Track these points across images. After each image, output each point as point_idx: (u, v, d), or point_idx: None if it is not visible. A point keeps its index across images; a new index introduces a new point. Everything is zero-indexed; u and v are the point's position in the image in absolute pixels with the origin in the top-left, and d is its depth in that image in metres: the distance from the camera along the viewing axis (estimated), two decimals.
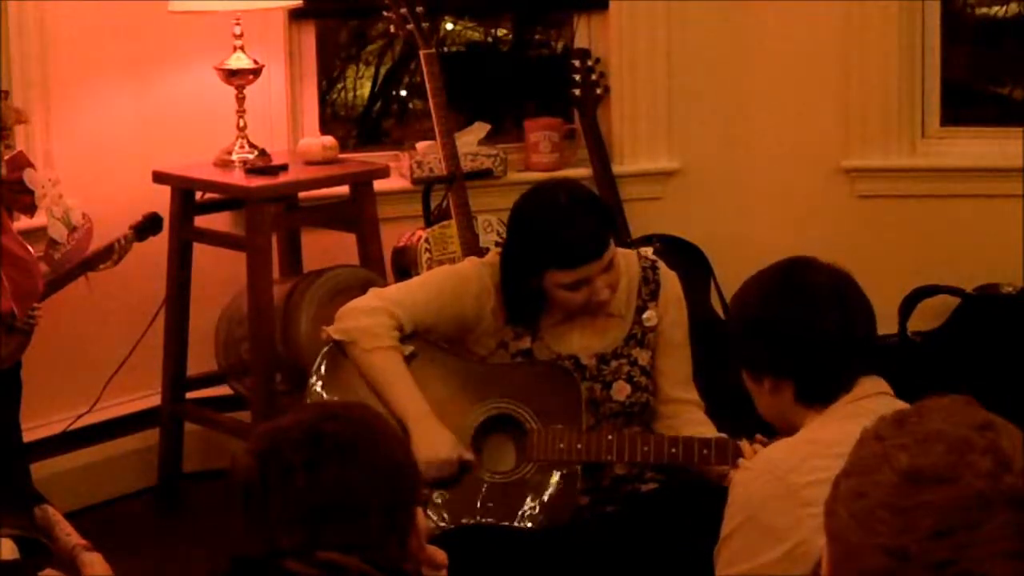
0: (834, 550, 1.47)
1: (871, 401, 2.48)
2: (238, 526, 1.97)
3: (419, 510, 2.03)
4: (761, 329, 2.57)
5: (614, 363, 3.34)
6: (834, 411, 2.50)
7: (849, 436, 1.57)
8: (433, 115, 4.70)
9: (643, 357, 3.36)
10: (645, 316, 3.37)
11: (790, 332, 2.53)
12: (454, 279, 3.34)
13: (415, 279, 3.56)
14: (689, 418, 3.38)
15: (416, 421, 3.18)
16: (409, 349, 3.27)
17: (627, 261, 3.36)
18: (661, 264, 3.43)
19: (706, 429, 3.33)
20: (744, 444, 3.06)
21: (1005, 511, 1.39)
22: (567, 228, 3.19)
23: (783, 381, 2.54)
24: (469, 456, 3.22)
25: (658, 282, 3.39)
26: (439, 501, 3.21)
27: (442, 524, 3.18)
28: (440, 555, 2.20)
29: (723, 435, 3.22)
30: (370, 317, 3.25)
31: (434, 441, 3.18)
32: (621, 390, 3.33)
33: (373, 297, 3.32)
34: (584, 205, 3.25)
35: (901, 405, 2.25)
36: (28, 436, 4.30)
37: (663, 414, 3.39)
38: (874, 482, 1.45)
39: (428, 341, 3.31)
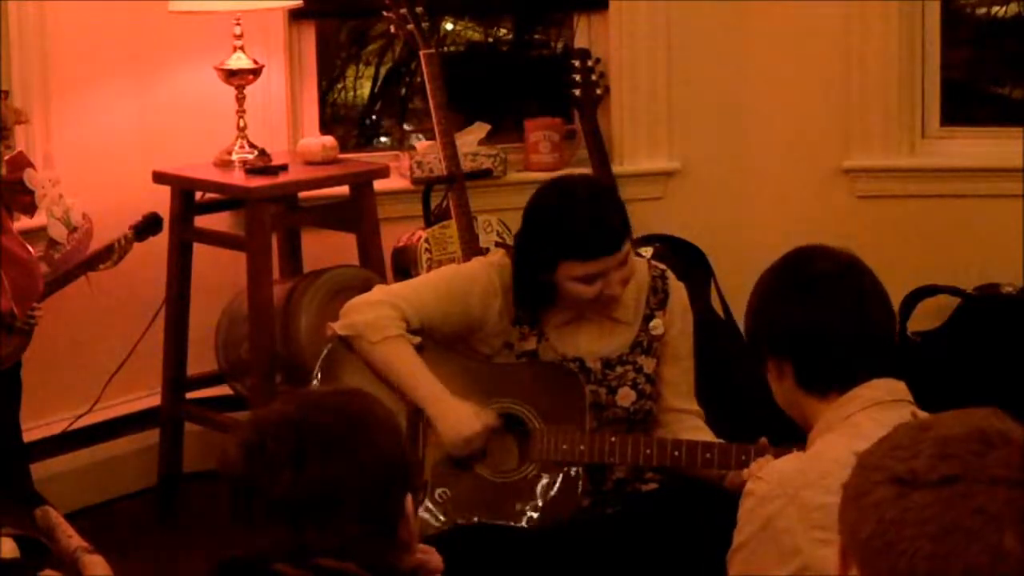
0: (843, 530, 1.49)
1: (889, 412, 2.40)
2: (231, 522, 1.96)
3: (409, 497, 1.99)
4: (761, 310, 2.58)
5: (619, 369, 3.33)
6: (851, 419, 2.45)
7: None
8: (433, 115, 4.70)
9: (648, 365, 3.35)
10: (652, 325, 3.36)
11: (786, 311, 2.53)
12: (460, 279, 3.33)
13: (421, 277, 3.55)
14: (689, 425, 3.38)
15: (434, 404, 3.19)
16: (416, 340, 3.25)
17: (637, 269, 3.34)
18: (671, 274, 3.42)
19: (705, 436, 3.33)
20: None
21: (1006, 448, 1.45)
22: (585, 220, 3.17)
23: (784, 362, 2.53)
24: (495, 423, 3.22)
25: (667, 292, 3.39)
26: (440, 500, 3.21)
27: (443, 522, 3.18)
28: (435, 558, 2.19)
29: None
30: (375, 310, 3.23)
31: (457, 420, 3.18)
32: (626, 396, 3.33)
33: (378, 292, 3.31)
34: (602, 198, 3.24)
35: (922, 415, 2.24)
36: (28, 436, 4.30)
37: (663, 422, 3.39)
38: (881, 444, 1.51)
39: (432, 340, 3.30)
